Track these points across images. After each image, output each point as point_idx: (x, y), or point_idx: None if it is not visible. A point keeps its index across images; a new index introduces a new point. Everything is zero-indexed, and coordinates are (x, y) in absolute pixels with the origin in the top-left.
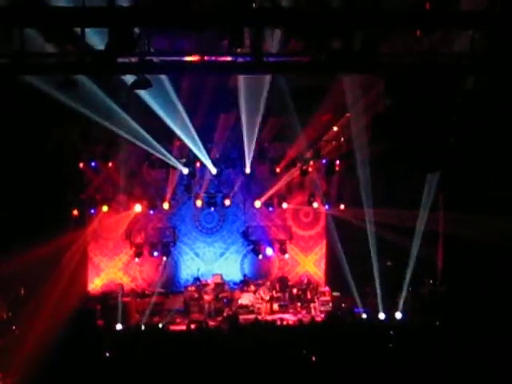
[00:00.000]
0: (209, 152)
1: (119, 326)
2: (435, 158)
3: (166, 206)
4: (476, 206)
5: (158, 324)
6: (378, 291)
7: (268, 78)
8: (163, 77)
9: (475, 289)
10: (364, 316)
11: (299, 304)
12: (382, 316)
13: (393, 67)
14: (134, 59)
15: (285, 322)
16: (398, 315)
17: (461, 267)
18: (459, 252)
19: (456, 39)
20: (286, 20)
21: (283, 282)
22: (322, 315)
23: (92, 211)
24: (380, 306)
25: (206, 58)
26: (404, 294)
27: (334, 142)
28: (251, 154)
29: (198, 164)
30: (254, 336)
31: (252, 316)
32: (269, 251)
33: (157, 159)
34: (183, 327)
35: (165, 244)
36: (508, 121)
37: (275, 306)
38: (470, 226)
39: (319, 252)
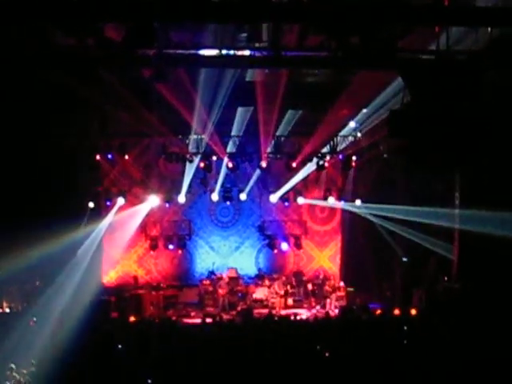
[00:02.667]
0: (225, 146)
1: (133, 318)
2: (453, 155)
3: (181, 199)
4: (492, 203)
5: (172, 317)
6: (393, 287)
7: (286, 72)
8: (181, 70)
9: (490, 286)
10: (381, 311)
11: (314, 299)
12: (397, 312)
13: (411, 63)
14: (152, 52)
15: (299, 317)
16: (413, 312)
17: (476, 264)
18: (475, 249)
19: (474, 35)
20: (305, 15)
21: (298, 277)
22: (337, 310)
23: (108, 203)
24: (395, 302)
25: (224, 51)
26: (419, 290)
27: (350, 138)
28: (268, 149)
29: (214, 158)
30: (268, 330)
31: (266, 310)
32: (284, 246)
33: (173, 152)
34: (197, 320)
35: (180, 237)
36: None
37: (290, 301)
38: (486, 222)
39: (334, 247)
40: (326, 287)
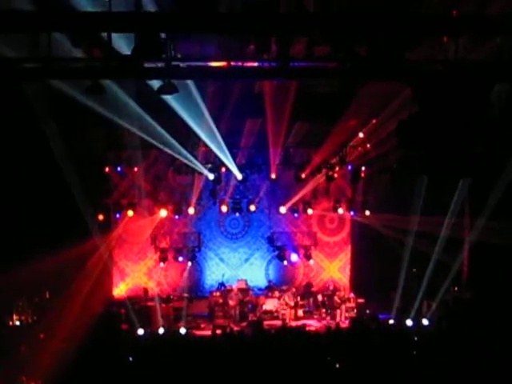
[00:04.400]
0: (234, 157)
1: (143, 331)
2: (462, 165)
3: (191, 211)
4: (502, 213)
5: (182, 329)
6: (403, 298)
7: (294, 83)
8: (189, 82)
9: (501, 296)
10: (391, 322)
11: (324, 310)
12: (408, 323)
13: (419, 74)
14: (160, 64)
15: (309, 328)
16: (424, 322)
17: (486, 274)
18: (485, 259)
19: (483, 45)
20: (313, 26)
21: (308, 288)
22: (347, 321)
23: (117, 216)
24: (405, 313)
25: (232, 63)
26: (429, 300)
27: (359, 148)
28: (277, 160)
29: (223, 169)
30: (278, 342)
31: (276, 322)
32: (294, 257)
33: (182, 164)
34: (208, 332)
35: (190, 249)
36: None
37: (300, 312)
38: (495, 232)
39: (344, 258)
40: (336, 298)
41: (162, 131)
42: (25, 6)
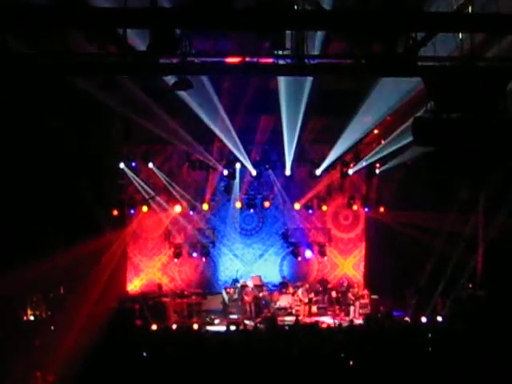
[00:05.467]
0: (249, 153)
1: (157, 327)
2: (477, 162)
3: (205, 207)
4: None
5: (195, 324)
6: (418, 295)
7: (309, 79)
8: (204, 78)
9: None
10: (406, 319)
11: (338, 307)
12: (423, 320)
13: (435, 71)
14: (175, 60)
15: (323, 325)
16: (438, 319)
17: (501, 272)
18: (499, 257)
19: (498, 42)
20: (328, 22)
21: (322, 285)
22: (361, 318)
23: (132, 211)
24: (419, 310)
25: (247, 59)
26: (443, 298)
27: (374, 145)
28: (291, 156)
29: (237, 165)
30: (292, 338)
31: (290, 318)
32: (308, 253)
33: (197, 160)
34: (221, 328)
35: (204, 245)
36: None
37: (314, 309)
38: (510, 230)
39: (358, 255)
40: (350, 295)
41: (177, 127)
42: (40, 1)
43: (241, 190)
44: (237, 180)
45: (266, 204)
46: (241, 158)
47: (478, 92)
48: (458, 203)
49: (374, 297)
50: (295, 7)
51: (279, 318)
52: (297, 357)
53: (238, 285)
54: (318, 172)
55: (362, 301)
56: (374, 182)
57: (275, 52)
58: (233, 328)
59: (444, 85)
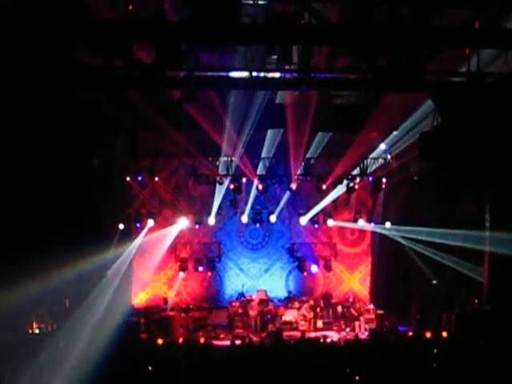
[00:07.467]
0: (255, 168)
1: (163, 341)
2: (483, 177)
3: (211, 221)
4: None
5: (201, 339)
6: (423, 310)
7: (316, 94)
8: (211, 92)
9: None
10: (410, 334)
11: (343, 321)
12: (427, 335)
13: (441, 86)
14: (182, 74)
15: (328, 340)
16: (443, 334)
17: (506, 287)
18: (505, 271)
19: (504, 57)
20: (335, 37)
21: (327, 300)
22: (366, 333)
23: (138, 225)
24: (424, 325)
25: (254, 73)
26: (449, 313)
27: (380, 160)
28: (297, 171)
29: (244, 179)
30: (297, 353)
31: (295, 333)
32: (314, 268)
33: (203, 174)
34: (227, 342)
35: (210, 259)
36: None
37: (319, 323)
38: None
39: (364, 270)
40: (356, 310)
41: (183, 140)
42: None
43: (247, 205)
44: (243, 194)
45: (272, 218)
46: (247, 173)
47: (485, 107)
48: (464, 218)
49: (380, 312)
50: (301, 22)
51: (285, 333)
52: (302, 371)
53: (244, 299)
54: (324, 186)
55: (368, 316)
56: (381, 196)
57: (282, 66)
58: (238, 342)
59: (451, 100)
